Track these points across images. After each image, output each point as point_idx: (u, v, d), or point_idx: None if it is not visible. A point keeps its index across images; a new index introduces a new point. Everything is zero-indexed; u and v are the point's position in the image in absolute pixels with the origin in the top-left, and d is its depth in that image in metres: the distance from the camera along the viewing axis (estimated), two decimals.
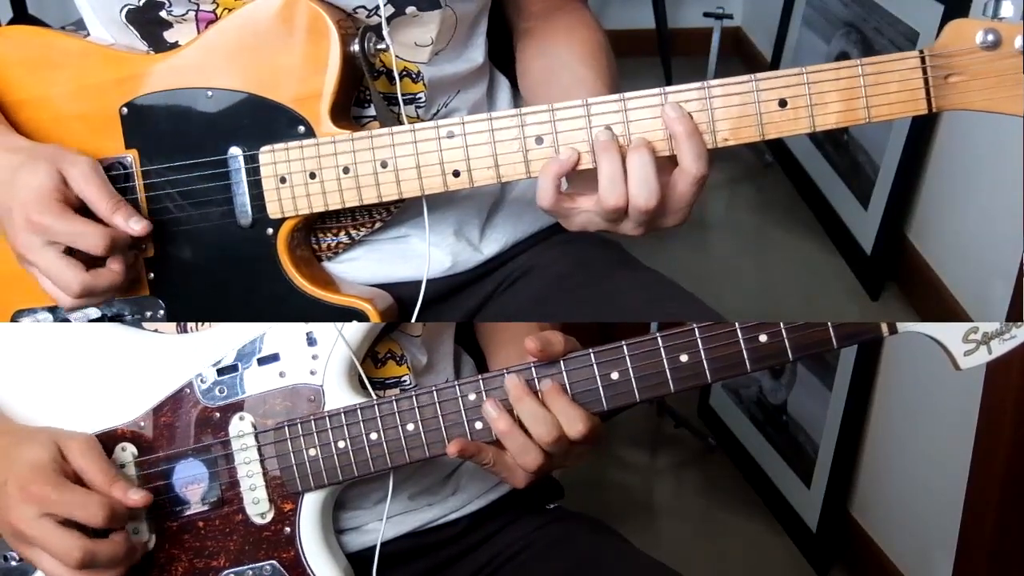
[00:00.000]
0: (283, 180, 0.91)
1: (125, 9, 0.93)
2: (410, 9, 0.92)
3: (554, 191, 0.86)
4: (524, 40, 1.05)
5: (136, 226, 0.88)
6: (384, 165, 0.89)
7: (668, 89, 0.84)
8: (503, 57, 1.08)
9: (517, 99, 1.09)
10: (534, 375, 0.85)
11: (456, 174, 0.88)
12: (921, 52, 0.82)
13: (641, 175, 0.84)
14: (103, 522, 0.83)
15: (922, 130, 2.24)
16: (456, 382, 0.86)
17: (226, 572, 0.90)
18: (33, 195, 0.86)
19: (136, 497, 0.85)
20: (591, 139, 0.86)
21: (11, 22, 2.42)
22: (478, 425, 0.86)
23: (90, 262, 0.89)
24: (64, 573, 0.83)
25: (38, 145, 0.92)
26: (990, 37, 0.80)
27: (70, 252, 0.88)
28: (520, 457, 0.85)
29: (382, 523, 0.94)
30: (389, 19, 0.92)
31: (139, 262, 0.95)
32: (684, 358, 0.84)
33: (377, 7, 0.91)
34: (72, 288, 0.87)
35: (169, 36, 0.94)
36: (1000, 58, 0.80)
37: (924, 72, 0.82)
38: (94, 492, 0.84)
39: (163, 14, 0.92)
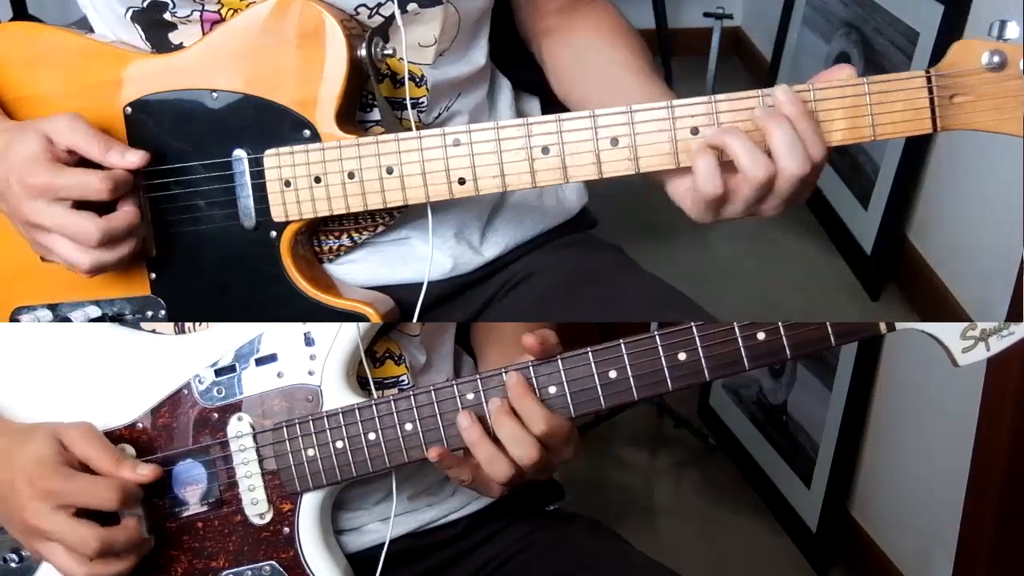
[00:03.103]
0: (288, 184, 0.91)
1: (130, 11, 0.93)
2: (411, 6, 0.92)
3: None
4: (547, 39, 1.05)
5: (133, 157, 0.87)
6: (390, 171, 0.89)
7: (675, 103, 0.84)
8: (505, 58, 1.08)
9: (518, 101, 1.09)
10: (532, 374, 0.85)
11: (462, 182, 0.88)
12: (927, 72, 0.82)
13: (788, 142, 0.82)
14: (117, 504, 0.83)
15: None
16: (454, 382, 0.86)
17: (225, 573, 0.90)
18: (25, 161, 0.85)
19: (146, 472, 0.85)
20: (597, 149, 0.85)
21: (11, 21, 2.42)
22: None
23: (100, 212, 0.87)
24: (79, 567, 0.83)
25: (23, 122, 0.91)
26: (996, 58, 0.81)
27: (77, 208, 0.87)
28: (488, 467, 0.85)
29: (389, 522, 0.94)
30: (394, 19, 0.92)
31: (141, 261, 0.95)
32: (682, 356, 0.84)
33: (379, 6, 0.91)
34: (92, 235, 0.85)
35: (174, 38, 0.93)
36: (1005, 79, 0.81)
37: (930, 92, 0.82)
38: (102, 477, 0.85)
39: (167, 16, 0.92)
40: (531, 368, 0.85)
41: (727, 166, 0.84)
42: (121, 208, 0.88)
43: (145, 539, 0.88)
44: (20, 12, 2.56)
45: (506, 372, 0.85)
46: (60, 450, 0.84)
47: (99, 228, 0.86)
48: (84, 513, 0.84)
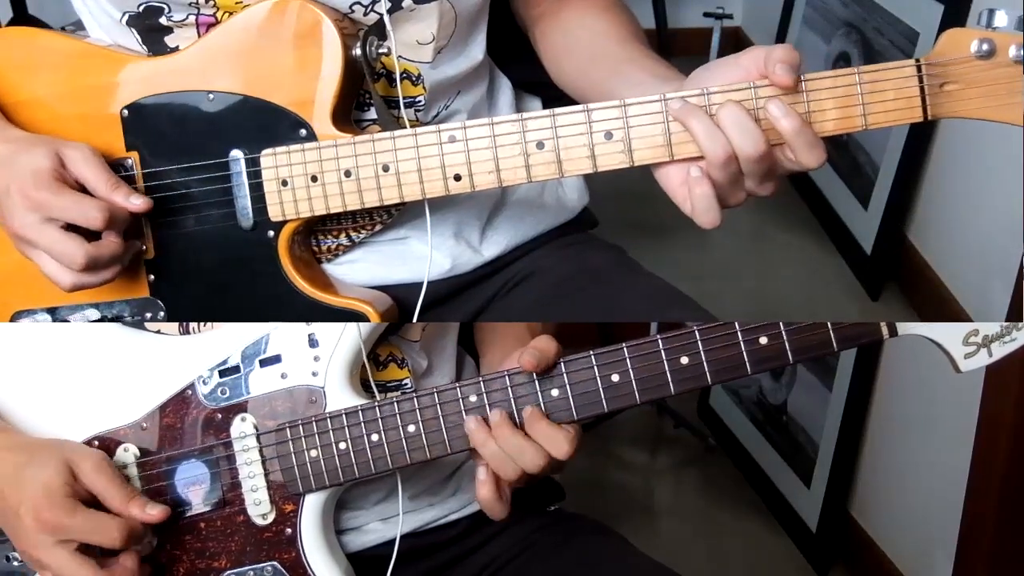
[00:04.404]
0: (284, 183, 0.91)
1: (125, 16, 0.93)
2: (407, 2, 0.92)
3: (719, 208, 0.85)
4: (540, 24, 1.04)
5: (136, 201, 0.87)
6: (386, 168, 0.89)
7: (669, 95, 0.85)
8: (505, 56, 1.08)
9: (519, 101, 1.09)
10: (535, 377, 0.85)
11: (457, 178, 0.88)
12: (917, 61, 0.83)
13: (737, 123, 0.82)
14: (121, 544, 0.83)
15: (922, 130, 2.25)
16: (457, 384, 0.87)
17: (227, 573, 0.90)
18: (30, 175, 0.85)
19: (155, 512, 0.85)
20: (591, 143, 0.86)
21: (11, 22, 2.42)
22: None
23: (88, 239, 0.88)
24: None
25: (35, 135, 0.92)
26: (984, 46, 0.81)
27: (68, 230, 0.87)
28: (498, 468, 0.85)
29: (389, 522, 0.95)
30: (387, 13, 0.92)
31: (139, 263, 0.95)
32: (684, 360, 0.84)
33: (373, 3, 0.91)
34: (76, 260, 0.86)
35: (170, 41, 0.94)
36: (994, 67, 0.81)
37: (920, 80, 0.82)
38: (108, 515, 0.84)
39: (163, 20, 0.92)
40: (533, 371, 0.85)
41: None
42: (106, 237, 0.88)
43: (147, 543, 0.88)
44: (20, 12, 2.56)
45: (509, 374, 0.86)
46: (69, 480, 0.84)
47: (85, 253, 0.86)
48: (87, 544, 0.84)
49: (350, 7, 0.91)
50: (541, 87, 1.08)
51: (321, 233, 0.97)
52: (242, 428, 0.89)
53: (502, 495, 0.86)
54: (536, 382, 0.85)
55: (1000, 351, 0.80)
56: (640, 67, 0.93)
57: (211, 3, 0.91)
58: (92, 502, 0.85)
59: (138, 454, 0.90)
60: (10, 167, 0.86)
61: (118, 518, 0.84)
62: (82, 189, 0.88)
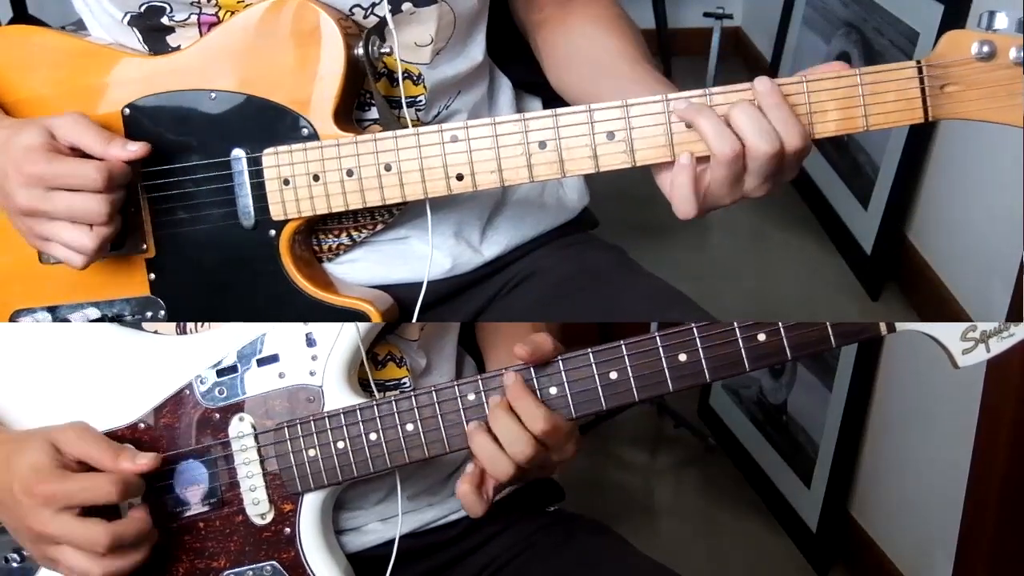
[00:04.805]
0: (286, 182, 0.91)
1: (127, 16, 0.93)
2: (406, 6, 0.92)
3: (696, 200, 0.85)
4: (543, 30, 1.04)
5: (134, 147, 0.87)
6: (388, 168, 0.89)
7: (670, 97, 0.85)
8: (504, 56, 1.08)
9: (519, 101, 1.09)
10: (533, 375, 0.85)
11: (459, 177, 0.88)
12: (918, 62, 0.83)
13: (751, 120, 0.83)
14: (119, 496, 0.83)
15: (922, 131, 2.25)
16: (455, 382, 0.87)
17: (226, 573, 0.90)
18: (25, 151, 0.85)
19: (144, 461, 0.85)
20: (594, 144, 0.86)
21: (11, 22, 2.42)
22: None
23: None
24: (94, 564, 0.83)
25: (26, 119, 0.91)
26: (985, 48, 0.82)
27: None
28: (490, 466, 0.85)
29: (389, 522, 0.95)
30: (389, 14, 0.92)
31: (140, 262, 0.96)
32: (683, 357, 0.84)
33: (373, 5, 0.91)
34: (102, 212, 0.85)
35: (172, 41, 0.94)
36: (994, 69, 0.82)
37: (921, 82, 0.83)
38: (100, 473, 0.84)
39: (165, 20, 0.92)
40: (532, 369, 0.85)
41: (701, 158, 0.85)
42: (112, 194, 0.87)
43: (154, 529, 0.88)
44: (20, 12, 2.56)
45: (508, 371, 0.86)
46: (55, 455, 0.84)
47: (108, 202, 0.86)
48: (90, 512, 0.84)
49: (350, 9, 0.92)
50: (541, 87, 1.08)
51: (322, 232, 0.97)
52: (240, 428, 0.90)
53: (482, 492, 0.86)
54: (534, 380, 0.85)
55: (998, 347, 0.81)
56: (643, 86, 0.93)
57: (213, 2, 0.91)
58: (84, 470, 0.85)
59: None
60: (7, 150, 0.86)
61: (111, 473, 0.84)
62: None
